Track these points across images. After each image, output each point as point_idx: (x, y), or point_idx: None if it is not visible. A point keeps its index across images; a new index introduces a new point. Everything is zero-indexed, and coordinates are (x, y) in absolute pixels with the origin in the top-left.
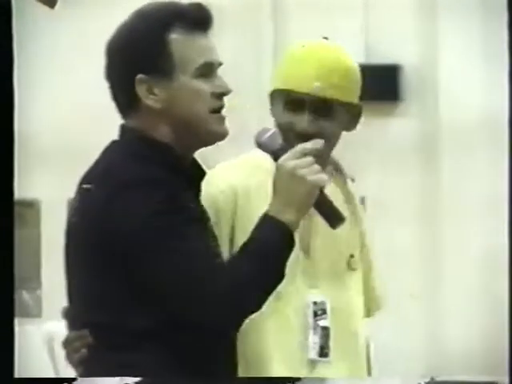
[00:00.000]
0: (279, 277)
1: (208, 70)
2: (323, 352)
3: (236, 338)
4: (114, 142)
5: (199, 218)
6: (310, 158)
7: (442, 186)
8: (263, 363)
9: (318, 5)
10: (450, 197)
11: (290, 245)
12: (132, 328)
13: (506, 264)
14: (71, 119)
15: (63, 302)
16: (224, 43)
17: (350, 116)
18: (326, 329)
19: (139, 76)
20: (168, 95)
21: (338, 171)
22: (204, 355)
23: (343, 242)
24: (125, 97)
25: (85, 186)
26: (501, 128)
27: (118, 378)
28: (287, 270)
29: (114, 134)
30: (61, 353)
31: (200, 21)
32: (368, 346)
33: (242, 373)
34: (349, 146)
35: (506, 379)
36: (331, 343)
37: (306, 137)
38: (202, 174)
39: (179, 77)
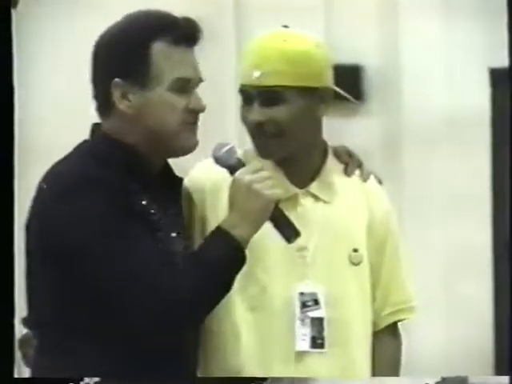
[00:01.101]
0: (224, 290)
1: (185, 84)
2: (316, 343)
3: (195, 337)
4: (84, 142)
5: (151, 221)
6: (265, 173)
7: (405, 184)
8: (242, 362)
9: (279, 6)
10: (412, 196)
11: (240, 260)
12: (76, 328)
13: (490, 261)
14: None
15: None
16: None
17: (315, 100)
18: (318, 320)
19: (115, 80)
20: (141, 103)
21: (360, 169)
22: (154, 356)
23: (344, 237)
24: (102, 98)
25: (40, 184)
26: (462, 127)
27: None
28: (278, 264)
29: None
30: None
31: (187, 35)
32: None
33: (217, 372)
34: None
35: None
36: (325, 334)
37: (259, 127)
38: (172, 179)
39: (155, 87)
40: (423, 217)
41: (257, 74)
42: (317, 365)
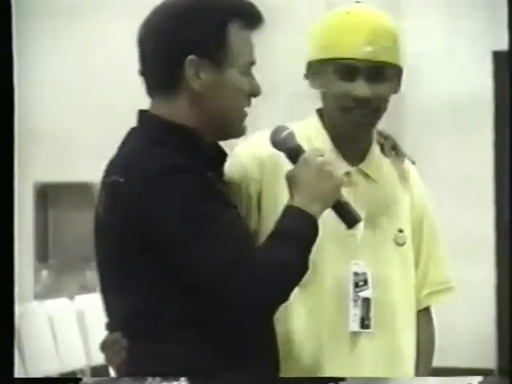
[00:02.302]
0: (307, 266)
1: (250, 68)
2: (364, 323)
3: (273, 325)
4: (134, 129)
5: (231, 202)
6: (332, 155)
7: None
8: (292, 329)
9: None
10: None
11: (316, 236)
12: (171, 317)
13: (492, 246)
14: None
15: None
16: None
17: (397, 79)
18: (367, 300)
19: (191, 57)
20: (213, 84)
21: (395, 150)
22: (244, 342)
23: (391, 216)
24: (168, 75)
25: (113, 178)
26: (465, 111)
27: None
28: (328, 242)
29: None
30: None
31: (254, 19)
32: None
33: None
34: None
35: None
36: (372, 314)
37: (364, 102)
38: (224, 157)
39: (228, 68)
40: None
41: (369, 48)
42: (365, 345)
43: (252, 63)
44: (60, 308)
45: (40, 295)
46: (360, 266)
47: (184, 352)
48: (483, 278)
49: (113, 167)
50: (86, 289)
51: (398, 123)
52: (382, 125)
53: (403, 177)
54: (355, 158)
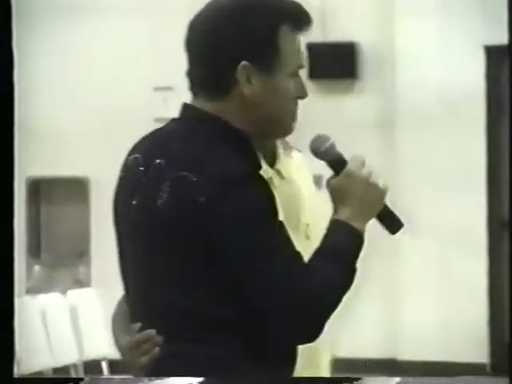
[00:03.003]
0: (353, 281)
1: (298, 71)
2: None
3: None
4: (183, 123)
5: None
6: (371, 166)
7: (399, 161)
8: None
9: None
10: (407, 173)
11: (362, 249)
12: (214, 320)
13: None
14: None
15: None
16: None
17: None
18: None
19: (244, 63)
20: (264, 88)
21: (284, 144)
22: (278, 351)
23: (302, 210)
24: (219, 80)
25: (181, 174)
26: (456, 104)
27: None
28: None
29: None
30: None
31: (303, 22)
32: None
33: None
34: (306, 123)
35: None
36: None
37: None
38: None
39: (279, 73)
40: (417, 194)
41: None
42: None
43: (300, 66)
44: (52, 303)
45: (32, 290)
46: None
47: (218, 354)
48: (476, 272)
49: (175, 159)
50: (78, 283)
51: (390, 119)
52: (375, 121)
53: (300, 169)
54: (270, 158)
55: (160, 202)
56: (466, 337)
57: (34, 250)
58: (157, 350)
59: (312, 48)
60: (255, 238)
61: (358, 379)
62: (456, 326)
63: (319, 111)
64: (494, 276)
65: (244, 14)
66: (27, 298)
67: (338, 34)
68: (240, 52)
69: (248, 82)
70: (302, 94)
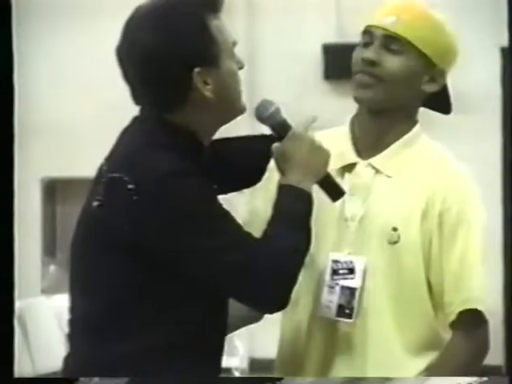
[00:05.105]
0: (310, 241)
1: (233, 48)
2: (343, 312)
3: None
4: (134, 128)
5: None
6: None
7: None
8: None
9: None
10: None
11: (312, 210)
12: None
13: (500, 243)
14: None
15: None
16: None
17: (421, 66)
18: (350, 289)
19: (197, 70)
20: (217, 83)
21: None
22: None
23: (389, 213)
24: (174, 90)
25: (115, 174)
26: (472, 106)
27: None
28: (326, 230)
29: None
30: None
31: (217, 4)
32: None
33: None
34: (322, 124)
35: None
36: (356, 305)
37: (368, 65)
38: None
39: (224, 62)
40: None
41: (388, 18)
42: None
43: (234, 43)
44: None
45: (47, 290)
46: (342, 255)
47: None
48: (490, 273)
49: (113, 162)
50: None
51: None
52: None
53: (431, 174)
54: (368, 149)
55: (94, 204)
56: None
57: (50, 250)
58: None
59: (327, 49)
60: (190, 233)
61: (390, 379)
62: None
63: (335, 111)
64: (509, 277)
65: (177, 24)
66: (42, 298)
67: (354, 35)
68: (190, 60)
69: (205, 84)
70: (241, 65)
